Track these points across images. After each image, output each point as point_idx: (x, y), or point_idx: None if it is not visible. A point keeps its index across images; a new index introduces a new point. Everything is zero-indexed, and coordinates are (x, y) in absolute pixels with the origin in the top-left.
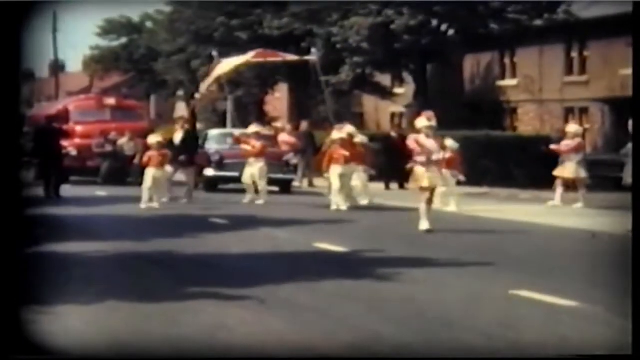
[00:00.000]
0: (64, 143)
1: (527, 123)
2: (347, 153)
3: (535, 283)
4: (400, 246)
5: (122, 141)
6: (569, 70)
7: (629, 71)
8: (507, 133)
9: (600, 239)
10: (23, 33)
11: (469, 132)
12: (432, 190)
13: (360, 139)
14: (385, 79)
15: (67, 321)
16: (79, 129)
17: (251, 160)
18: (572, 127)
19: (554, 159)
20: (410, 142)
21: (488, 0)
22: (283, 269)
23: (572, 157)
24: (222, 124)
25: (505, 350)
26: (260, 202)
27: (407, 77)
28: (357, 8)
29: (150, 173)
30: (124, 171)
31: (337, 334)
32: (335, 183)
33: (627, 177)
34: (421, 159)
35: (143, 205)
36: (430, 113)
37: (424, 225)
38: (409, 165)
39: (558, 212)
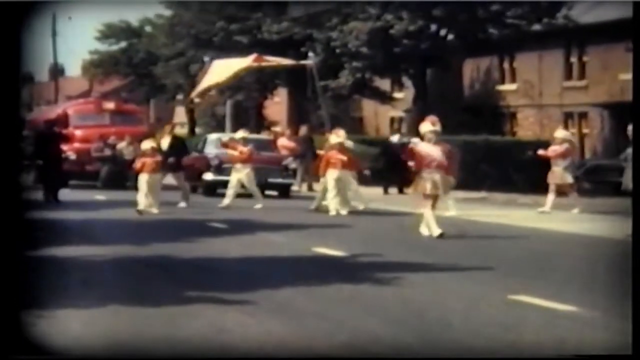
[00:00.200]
0: (63, 147)
1: (527, 128)
2: (344, 158)
3: (533, 288)
4: (398, 250)
5: (121, 145)
6: (569, 75)
7: (628, 76)
8: (506, 138)
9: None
10: (23, 37)
11: (469, 136)
12: (436, 196)
13: (347, 144)
14: (384, 84)
15: (66, 324)
16: (78, 133)
17: (238, 165)
18: (560, 133)
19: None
20: (413, 150)
21: (488, 1)
22: (282, 273)
23: (559, 162)
24: (221, 128)
25: (503, 352)
26: (258, 205)
27: (407, 81)
28: (357, 12)
29: (143, 179)
30: (123, 175)
31: (335, 337)
32: (332, 187)
33: (627, 182)
34: (425, 165)
35: (140, 209)
36: (434, 118)
37: (436, 230)
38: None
39: (557, 217)
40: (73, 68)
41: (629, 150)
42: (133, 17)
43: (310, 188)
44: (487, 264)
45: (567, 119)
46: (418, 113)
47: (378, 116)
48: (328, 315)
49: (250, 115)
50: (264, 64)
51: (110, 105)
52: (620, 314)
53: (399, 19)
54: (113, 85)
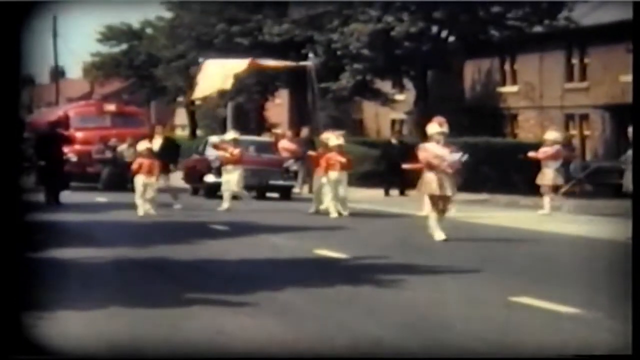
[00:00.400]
0: (64, 149)
1: (528, 129)
2: (343, 160)
3: (534, 289)
4: (399, 253)
5: (122, 147)
6: (570, 77)
7: (629, 77)
8: (507, 139)
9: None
10: (23, 38)
11: (470, 138)
12: (444, 198)
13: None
14: (385, 86)
15: (66, 325)
16: (79, 135)
17: (229, 167)
18: (551, 134)
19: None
20: (420, 152)
21: (489, 1)
22: (283, 275)
23: (550, 164)
24: (223, 130)
25: (504, 354)
26: (224, 207)
27: (408, 83)
28: (357, 14)
29: (140, 181)
30: (124, 177)
31: (336, 339)
32: (331, 189)
33: (627, 184)
34: (431, 166)
35: (140, 213)
36: (441, 119)
37: (439, 235)
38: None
39: (558, 219)
40: (74, 70)
41: (630, 152)
42: (134, 19)
43: (311, 190)
44: (488, 266)
45: (568, 120)
46: (419, 115)
47: (379, 118)
48: (329, 317)
49: (251, 117)
50: (259, 66)
51: (111, 107)
52: (620, 315)
53: (399, 20)
54: (114, 88)
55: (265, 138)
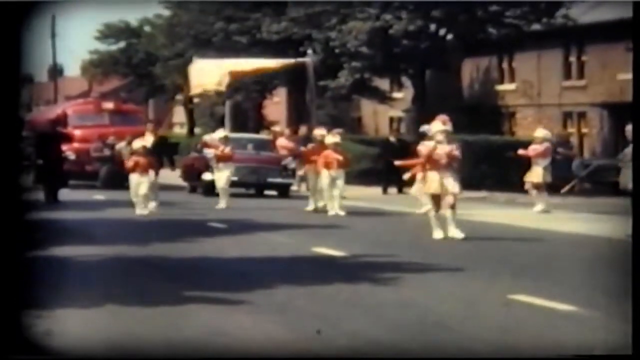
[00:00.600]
0: (63, 147)
1: (526, 127)
2: (340, 157)
3: (533, 288)
4: (398, 250)
5: (121, 145)
6: (568, 75)
7: (627, 76)
8: (505, 137)
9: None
10: (22, 37)
11: (468, 136)
12: (452, 195)
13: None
14: (383, 84)
15: (65, 324)
16: (77, 133)
17: (220, 165)
18: (541, 132)
19: (553, 164)
20: (421, 149)
21: (487, 1)
22: (281, 273)
23: (539, 161)
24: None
25: (503, 353)
26: (221, 206)
27: (406, 81)
28: (356, 12)
29: (135, 179)
30: (122, 175)
31: (334, 337)
32: (328, 187)
33: (625, 182)
34: (434, 165)
35: (138, 212)
36: (445, 117)
37: (438, 234)
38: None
39: (557, 216)
40: (72, 68)
41: (627, 150)
42: (132, 17)
43: (309, 188)
44: (486, 264)
45: (566, 118)
46: (417, 113)
47: (377, 116)
48: (327, 316)
49: (249, 115)
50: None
51: (109, 105)
52: (620, 314)
53: (398, 19)
54: (112, 86)
55: (263, 136)
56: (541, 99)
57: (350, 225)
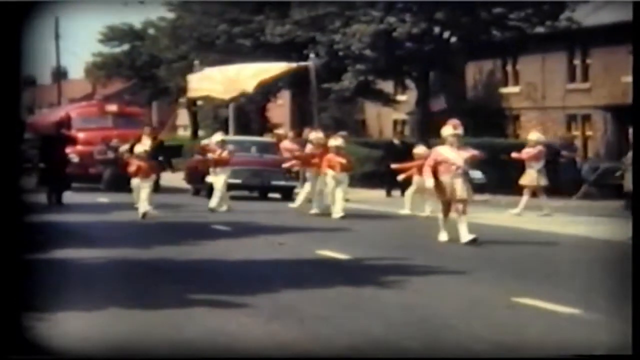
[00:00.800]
0: (67, 150)
1: (530, 130)
2: (343, 160)
3: (536, 290)
4: (401, 253)
5: (124, 148)
6: (572, 78)
7: (631, 78)
8: (509, 140)
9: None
10: (25, 39)
11: (471, 139)
12: (460, 201)
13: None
14: (387, 86)
15: (67, 326)
16: (81, 135)
17: (217, 169)
18: (534, 135)
19: (557, 167)
20: (434, 155)
21: (491, 2)
22: (285, 276)
23: (533, 164)
24: (224, 131)
25: (506, 354)
26: (223, 208)
27: (410, 84)
28: (360, 15)
29: (137, 183)
30: (126, 178)
31: (338, 339)
32: (331, 190)
33: (628, 185)
34: (445, 169)
35: (141, 215)
36: (456, 121)
37: (443, 236)
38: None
39: (559, 219)
40: (76, 71)
41: (630, 154)
42: (136, 19)
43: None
44: (489, 267)
45: (570, 121)
46: (421, 116)
47: (381, 119)
48: (331, 318)
49: (253, 118)
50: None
51: (113, 107)
52: (620, 316)
53: (402, 21)
54: (116, 88)
55: (267, 139)
56: (545, 102)
57: (353, 228)
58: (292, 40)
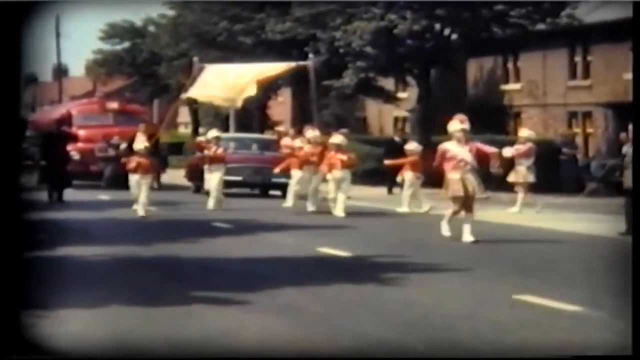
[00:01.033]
0: (67, 147)
1: (531, 127)
2: (344, 157)
3: (537, 287)
4: (402, 250)
5: (124, 146)
6: (573, 75)
7: (632, 75)
8: (510, 137)
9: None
10: (26, 37)
11: (472, 136)
12: (470, 198)
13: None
14: (388, 83)
15: (68, 324)
16: (81, 133)
17: (212, 166)
18: (524, 132)
19: (558, 164)
20: (441, 151)
21: (492, 1)
22: (285, 273)
23: (522, 161)
24: (225, 128)
25: (507, 353)
26: (215, 207)
27: (411, 81)
28: (360, 12)
29: (136, 179)
30: (126, 175)
31: (339, 337)
32: (333, 188)
33: (628, 181)
34: (454, 166)
35: (141, 213)
36: (462, 116)
37: (446, 231)
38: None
39: (560, 217)
40: (77, 68)
41: (628, 150)
42: (137, 17)
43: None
44: (491, 264)
45: (571, 118)
46: (422, 113)
47: (382, 116)
48: (332, 316)
49: (253, 115)
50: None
51: (113, 105)
52: (621, 314)
53: (402, 18)
54: (116, 85)
55: (267, 136)
56: (546, 99)
57: (354, 226)
58: (293, 38)
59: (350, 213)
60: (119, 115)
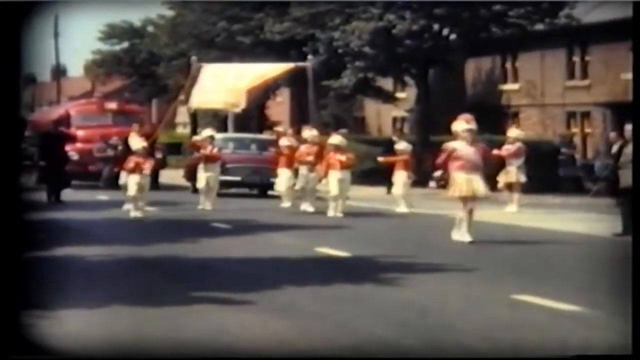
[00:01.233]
0: (66, 147)
1: (529, 127)
2: (343, 158)
3: (536, 287)
4: (401, 251)
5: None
6: (571, 75)
7: (631, 75)
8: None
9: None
10: (24, 37)
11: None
12: (473, 198)
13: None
14: (387, 83)
15: (68, 325)
16: (80, 133)
17: (208, 165)
18: (513, 132)
19: (556, 164)
20: (443, 156)
21: (491, 1)
22: (284, 274)
23: (512, 161)
24: (224, 128)
25: (506, 352)
26: (208, 207)
27: (409, 81)
28: (359, 12)
29: (134, 180)
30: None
31: (338, 337)
32: (334, 189)
33: (625, 181)
34: (460, 165)
35: (139, 214)
36: (468, 116)
37: (457, 235)
38: (436, 174)
39: (559, 217)
40: (75, 68)
41: (626, 150)
42: (135, 17)
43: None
44: (489, 264)
45: (570, 118)
46: (420, 113)
47: (380, 116)
48: (331, 316)
49: (252, 115)
50: (265, 82)
51: (112, 105)
52: (621, 314)
53: (401, 18)
54: (115, 86)
55: (266, 136)
56: (545, 99)
57: (353, 226)
58: (292, 38)
59: (349, 213)
60: (117, 116)
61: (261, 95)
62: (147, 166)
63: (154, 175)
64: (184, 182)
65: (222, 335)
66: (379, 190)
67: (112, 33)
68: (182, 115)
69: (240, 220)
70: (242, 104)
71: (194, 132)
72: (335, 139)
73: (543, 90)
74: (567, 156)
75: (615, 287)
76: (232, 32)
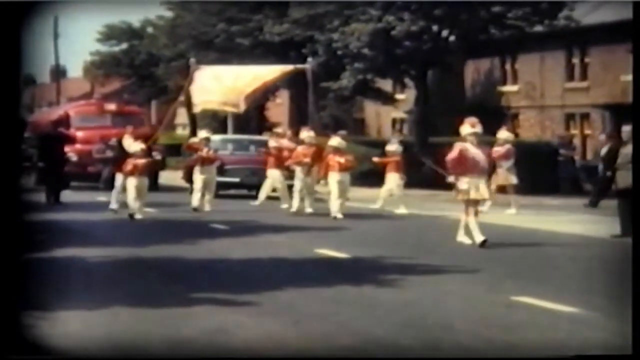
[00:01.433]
0: (65, 149)
1: (528, 129)
2: (342, 160)
3: (535, 289)
4: (400, 252)
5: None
6: (570, 77)
7: (630, 77)
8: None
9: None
10: (24, 38)
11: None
12: (478, 201)
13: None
14: (386, 85)
15: (67, 325)
16: (79, 134)
17: (204, 167)
18: (502, 134)
19: (555, 165)
20: (455, 152)
21: (490, 1)
22: (284, 275)
23: (502, 163)
24: (223, 130)
25: (505, 353)
26: (207, 208)
27: (408, 82)
28: (358, 14)
29: (132, 182)
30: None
31: (337, 338)
32: (334, 190)
33: (623, 182)
34: (468, 168)
35: (138, 216)
36: (473, 119)
37: (463, 237)
38: (450, 179)
39: (557, 218)
40: (75, 69)
41: (624, 151)
42: (134, 18)
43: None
44: (489, 265)
45: (569, 120)
46: (420, 114)
47: (380, 117)
48: (330, 316)
49: (251, 117)
50: (265, 85)
51: (111, 106)
52: (619, 315)
53: (400, 20)
54: (114, 87)
55: (265, 137)
56: (544, 101)
57: (352, 227)
58: (291, 39)
59: (348, 214)
60: (116, 117)
61: (260, 97)
62: (144, 168)
63: (154, 176)
64: (183, 183)
65: (221, 335)
66: (378, 192)
67: (110, 34)
68: (182, 117)
69: (239, 221)
70: (242, 105)
71: (194, 133)
72: (335, 140)
73: (542, 92)
74: (566, 158)
75: (614, 288)
76: (231, 33)
